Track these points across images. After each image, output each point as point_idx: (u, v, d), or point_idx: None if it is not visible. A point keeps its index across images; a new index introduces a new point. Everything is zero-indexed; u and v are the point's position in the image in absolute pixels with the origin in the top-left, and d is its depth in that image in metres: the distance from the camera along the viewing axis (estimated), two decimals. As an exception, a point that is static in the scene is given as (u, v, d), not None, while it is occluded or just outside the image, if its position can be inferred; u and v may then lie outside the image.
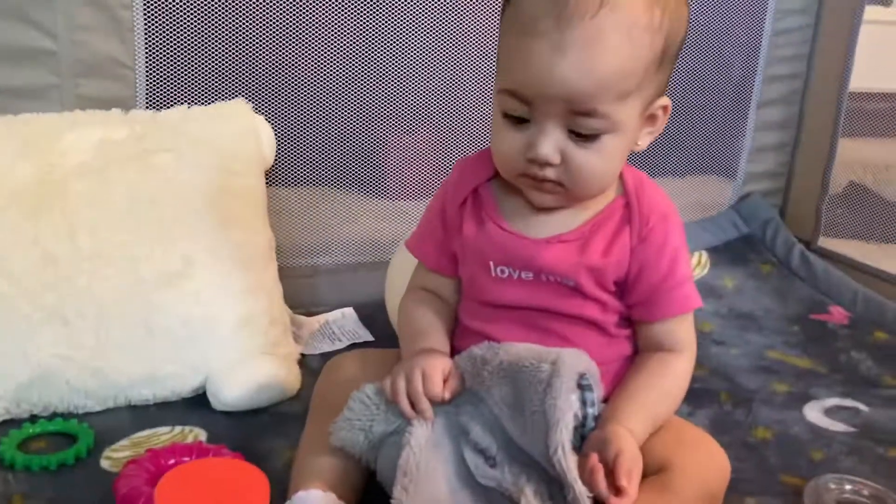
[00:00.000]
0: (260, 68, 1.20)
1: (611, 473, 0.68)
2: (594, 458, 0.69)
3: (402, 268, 1.09)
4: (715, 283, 1.44)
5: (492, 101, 0.77)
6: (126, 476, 0.79)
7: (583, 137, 0.72)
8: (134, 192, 0.99)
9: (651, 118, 0.77)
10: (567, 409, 0.72)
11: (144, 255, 0.97)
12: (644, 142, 0.78)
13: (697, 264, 1.48)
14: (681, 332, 0.80)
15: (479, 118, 1.34)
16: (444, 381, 0.76)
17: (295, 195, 1.29)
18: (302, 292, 1.26)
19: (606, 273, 0.77)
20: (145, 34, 1.12)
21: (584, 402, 0.76)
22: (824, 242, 1.54)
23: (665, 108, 0.77)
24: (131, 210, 0.98)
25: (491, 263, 0.80)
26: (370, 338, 1.19)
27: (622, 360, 0.81)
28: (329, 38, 1.23)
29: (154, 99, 1.14)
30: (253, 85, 1.19)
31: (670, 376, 0.79)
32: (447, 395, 0.75)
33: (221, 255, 1.02)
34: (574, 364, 0.74)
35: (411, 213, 1.31)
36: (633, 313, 0.80)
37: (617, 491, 0.67)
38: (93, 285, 0.93)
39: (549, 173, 0.73)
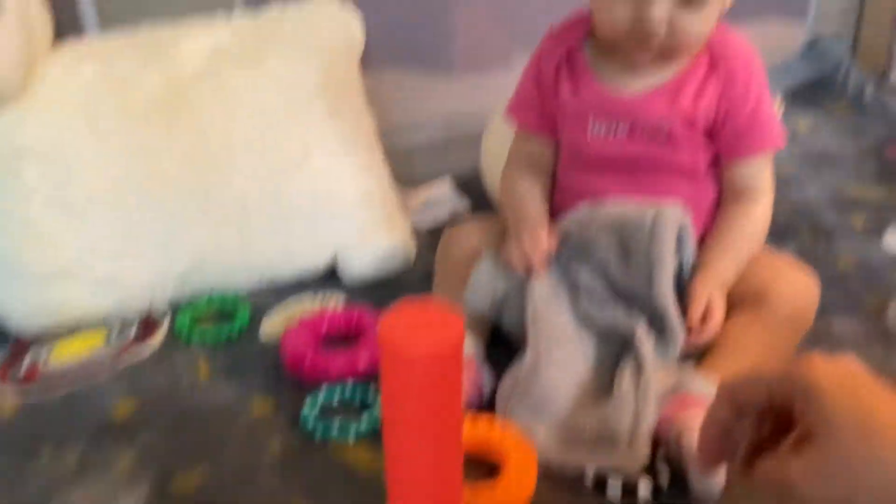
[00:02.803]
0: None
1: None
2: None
3: (497, 136, 1.18)
4: (789, 126, 1.49)
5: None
6: (287, 343, 0.92)
7: (690, 3, 0.79)
8: (248, 91, 1.08)
9: None
10: (668, 253, 0.82)
11: (268, 146, 1.06)
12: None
13: (771, 109, 1.52)
14: (761, 175, 0.88)
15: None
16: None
17: (381, 78, 1.36)
18: (399, 168, 1.35)
19: (697, 117, 0.85)
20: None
21: (678, 251, 0.86)
22: (896, 77, 1.57)
23: None
24: (249, 107, 1.07)
25: (590, 119, 0.88)
26: (467, 206, 1.29)
27: (709, 202, 0.90)
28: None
29: (251, -2, 1.21)
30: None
31: (751, 221, 0.88)
32: (553, 246, 0.86)
33: (334, 141, 1.11)
34: (673, 216, 0.84)
35: (488, 85, 1.40)
36: (722, 152, 0.88)
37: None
38: (230, 177, 1.04)
39: (655, 36, 0.80)
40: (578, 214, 0.88)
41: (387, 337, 0.49)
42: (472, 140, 1.32)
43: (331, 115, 1.12)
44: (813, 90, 1.57)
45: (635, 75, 0.87)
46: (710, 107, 0.85)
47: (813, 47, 1.61)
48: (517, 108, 0.96)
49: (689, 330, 0.82)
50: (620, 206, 0.86)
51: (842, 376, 0.44)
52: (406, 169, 1.36)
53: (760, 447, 0.49)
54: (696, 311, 0.81)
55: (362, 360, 0.88)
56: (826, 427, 0.43)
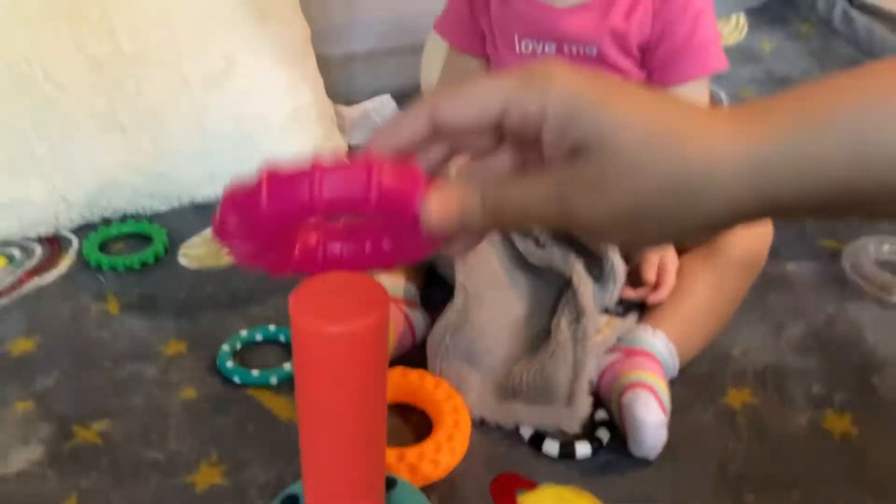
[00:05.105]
0: None
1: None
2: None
3: (437, 52, 1.09)
4: (752, 45, 1.41)
5: None
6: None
7: None
8: (165, -12, 0.97)
9: None
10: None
11: (186, 54, 0.96)
12: None
13: (735, 28, 1.44)
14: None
15: None
16: None
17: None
18: (338, 82, 1.24)
19: (629, 37, 0.77)
20: None
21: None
22: (868, -3, 1.49)
23: None
24: (166, 8, 0.96)
25: (516, 37, 0.81)
26: (412, 123, 1.20)
27: None
28: None
29: None
30: None
31: None
32: None
33: (261, 51, 1.01)
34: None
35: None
36: (653, 78, 0.80)
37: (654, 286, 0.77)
38: (141, 89, 0.94)
39: None
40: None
41: (302, 312, 0.42)
42: (418, 52, 1.22)
43: (259, 20, 1.01)
44: (779, 7, 1.48)
45: None
46: (643, 24, 0.77)
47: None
48: (447, 23, 0.89)
49: (646, 289, 0.78)
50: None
51: (588, 82, 0.36)
52: (343, 83, 1.26)
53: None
54: (650, 272, 0.77)
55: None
56: (607, 138, 0.34)
